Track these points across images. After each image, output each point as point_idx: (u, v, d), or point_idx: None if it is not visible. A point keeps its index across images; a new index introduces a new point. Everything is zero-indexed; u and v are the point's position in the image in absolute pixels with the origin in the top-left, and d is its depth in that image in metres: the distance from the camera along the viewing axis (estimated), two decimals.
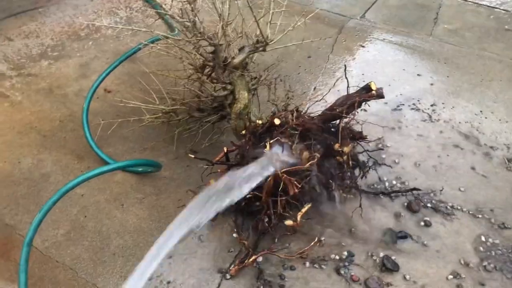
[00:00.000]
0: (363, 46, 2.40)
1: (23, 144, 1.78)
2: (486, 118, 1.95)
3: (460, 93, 2.08)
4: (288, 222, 1.40)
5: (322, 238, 1.46)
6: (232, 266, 1.38)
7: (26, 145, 1.78)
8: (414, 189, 1.57)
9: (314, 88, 2.06)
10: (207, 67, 1.62)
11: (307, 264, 1.40)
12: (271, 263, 1.41)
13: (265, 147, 1.26)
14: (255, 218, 1.46)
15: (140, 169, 1.63)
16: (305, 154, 1.32)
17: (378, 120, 1.91)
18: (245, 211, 1.48)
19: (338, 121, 1.43)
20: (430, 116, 1.95)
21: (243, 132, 1.31)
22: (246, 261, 1.36)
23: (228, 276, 1.37)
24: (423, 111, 1.98)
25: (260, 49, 1.58)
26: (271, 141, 1.25)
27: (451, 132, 1.87)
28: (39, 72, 2.16)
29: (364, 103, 1.44)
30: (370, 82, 1.41)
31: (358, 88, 1.46)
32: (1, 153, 1.75)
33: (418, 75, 2.19)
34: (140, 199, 1.58)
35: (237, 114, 1.52)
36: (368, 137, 1.50)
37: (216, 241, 1.46)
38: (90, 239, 1.46)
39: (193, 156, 1.46)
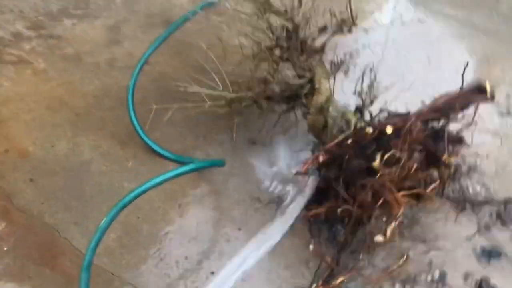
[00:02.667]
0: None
1: (55, 123, 1.54)
2: None
3: None
4: (379, 239, 1.23)
5: (410, 254, 1.30)
6: (314, 286, 1.22)
7: (58, 124, 1.54)
8: (509, 201, 1.40)
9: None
10: (279, 48, 1.38)
11: (397, 286, 1.25)
12: (356, 283, 1.24)
13: (373, 160, 1.06)
14: (334, 229, 1.29)
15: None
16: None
17: None
18: (321, 219, 1.30)
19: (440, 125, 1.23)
20: (508, 110, 1.76)
21: (349, 141, 1.10)
22: (332, 282, 1.20)
23: None
24: (498, 102, 1.79)
25: (345, 29, 1.35)
26: (385, 154, 1.04)
27: None
28: (62, 33, 1.87)
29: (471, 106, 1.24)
30: (484, 81, 1.20)
31: (465, 87, 1.26)
32: (31, 132, 1.51)
33: (487, 59, 1.99)
34: (198, 198, 1.38)
35: (318, 108, 1.30)
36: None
37: (291, 255, 1.29)
38: (147, 246, 1.27)
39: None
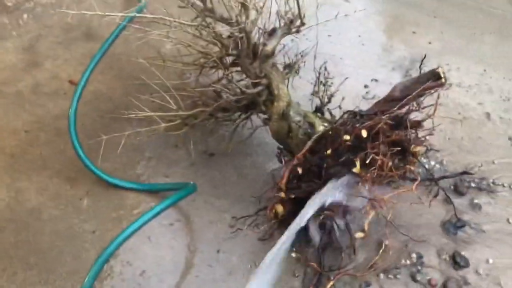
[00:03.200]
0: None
1: None
2: (491, 77, 1.90)
3: (459, 51, 2.00)
4: (360, 235, 1.25)
5: (386, 242, 1.33)
6: None
7: None
8: (464, 172, 1.48)
9: None
10: (229, 57, 1.32)
11: (381, 276, 1.28)
12: (343, 283, 1.25)
13: (353, 165, 1.05)
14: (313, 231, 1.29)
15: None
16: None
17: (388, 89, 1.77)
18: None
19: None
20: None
21: (328, 152, 1.07)
22: None
23: None
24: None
25: (294, 30, 1.32)
26: (364, 159, 1.04)
27: (465, 97, 1.80)
28: None
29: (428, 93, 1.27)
30: (437, 68, 1.24)
31: (419, 74, 1.28)
32: None
33: (413, 32, 2.06)
34: (167, 226, 1.31)
35: (280, 114, 1.27)
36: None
37: (276, 265, 1.26)
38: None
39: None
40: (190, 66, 1.44)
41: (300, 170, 1.08)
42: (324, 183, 1.08)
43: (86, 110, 1.54)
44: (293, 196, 1.11)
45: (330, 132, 1.14)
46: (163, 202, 1.22)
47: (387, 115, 1.11)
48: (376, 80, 1.82)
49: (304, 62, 1.42)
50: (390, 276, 1.28)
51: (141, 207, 1.33)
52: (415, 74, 1.89)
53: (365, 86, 1.79)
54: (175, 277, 1.21)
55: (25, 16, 1.84)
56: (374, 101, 1.71)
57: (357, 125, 1.07)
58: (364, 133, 1.06)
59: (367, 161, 1.05)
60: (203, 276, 1.22)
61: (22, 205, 1.30)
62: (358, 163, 1.04)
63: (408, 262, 1.31)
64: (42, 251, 1.22)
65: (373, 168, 1.07)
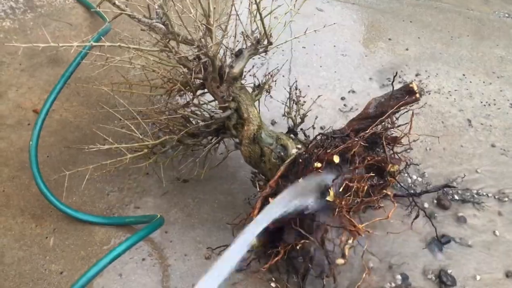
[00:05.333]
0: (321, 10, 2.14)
1: None
2: (471, 82, 1.86)
3: (437, 56, 1.96)
4: (340, 261, 1.18)
5: (371, 266, 1.28)
6: None
7: None
8: (446, 186, 1.43)
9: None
10: (195, 80, 1.26)
11: None
12: None
13: (326, 193, 0.99)
14: (290, 259, 1.23)
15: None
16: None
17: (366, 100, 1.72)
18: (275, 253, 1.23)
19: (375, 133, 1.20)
20: (422, 90, 1.80)
21: (299, 180, 1.02)
22: None
23: None
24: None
25: (261, 50, 1.26)
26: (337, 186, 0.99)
27: (445, 104, 1.76)
28: None
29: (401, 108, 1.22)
30: (411, 83, 1.19)
31: (392, 90, 1.23)
32: None
33: (389, 39, 2.02)
34: (139, 262, 1.24)
35: (251, 138, 1.21)
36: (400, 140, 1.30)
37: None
38: None
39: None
40: (157, 91, 1.38)
41: (271, 200, 1.02)
42: (300, 214, 1.03)
43: (52, 141, 1.47)
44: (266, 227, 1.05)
45: (302, 158, 1.08)
46: (126, 241, 1.14)
47: (361, 136, 1.05)
48: (353, 92, 1.77)
49: (275, 81, 1.37)
50: None
51: (111, 242, 1.26)
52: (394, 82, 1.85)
53: (342, 98, 1.74)
54: None
55: None
56: (352, 113, 1.68)
57: (329, 150, 1.01)
58: (336, 159, 1.00)
59: (341, 189, 0.99)
60: None
61: None
62: (331, 191, 0.98)
63: (393, 284, 1.26)
64: None
65: (348, 194, 1.01)
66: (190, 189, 1.39)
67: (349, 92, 1.76)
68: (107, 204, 1.34)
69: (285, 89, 1.48)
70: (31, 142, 1.29)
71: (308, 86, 1.74)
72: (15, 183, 1.37)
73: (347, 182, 0.99)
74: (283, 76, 1.70)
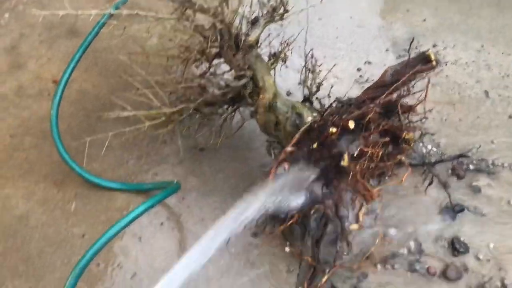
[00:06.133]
0: None
1: None
2: (489, 53, 1.83)
3: (455, 27, 1.93)
4: (354, 227, 1.21)
5: (384, 232, 1.30)
6: None
7: None
8: (461, 155, 1.43)
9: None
10: (211, 49, 1.27)
11: (379, 267, 1.25)
12: (339, 276, 1.23)
13: (341, 158, 1.01)
14: (306, 226, 1.26)
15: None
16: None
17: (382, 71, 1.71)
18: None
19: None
20: (438, 61, 1.78)
21: (314, 146, 1.03)
22: (318, 284, 1.17)
23: None
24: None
25: (277, 18, 1.26)
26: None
27: (462, 75, 1.74)
28: None
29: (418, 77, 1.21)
30: (427, 51, 1.18)
31: (408, 58, 1.23)
32: None
33: (407, 10, 1.99)
34: (158, 226, 1.28)
35: (266, 106, 1.23)
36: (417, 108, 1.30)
37: (269, 262, 1.24)
38: None
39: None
40: (174, 61, 1.39)
41: (287, 166, 1.04)
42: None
43: (72, 110, 1.51)
44: None
45: (317, 124, 1.10)
46: (144, 203, 1.18)
47: (377, 103, 1.06)
48: (369, 63, 1.76)
49: (291, 49, 1.37)
50: (387, 266, 1.25)
51: (130, 208, 1.30)
52: (406, 56, 1.83)
53: (358, 69, 1.74)
54: None
55: (6, 15, 1.79)
56: (368, 84, 1.67)
57: (344, 115, 1.02)
58: (351, 124, 1.02)
59: (356, 154, 1.01)
60: (196, 276, 1.20)
61: (9, 212, 1.28)
62: (346, 156, 1.00)
63: (405, 251, 1.28)
64: (31, 258, 1.20)
65: (363, 159, 1.03)
66: (206, 158, 1.42)
67: (365, 63, 1.76)
68: (126, 171, 1.38)
69: (301, 58, 1.48)
70: (52, 111, 1.32)
71: (324, 57, 1.73)
72: (37, 151, 1.41)
73: (361, 147, 1.00)
74: (299, 47, 1.70)
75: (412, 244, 1.29)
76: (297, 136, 1.14)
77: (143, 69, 1.44)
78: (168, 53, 1.40)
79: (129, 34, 1.51)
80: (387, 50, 1.82)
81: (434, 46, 1.84)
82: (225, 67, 1.33)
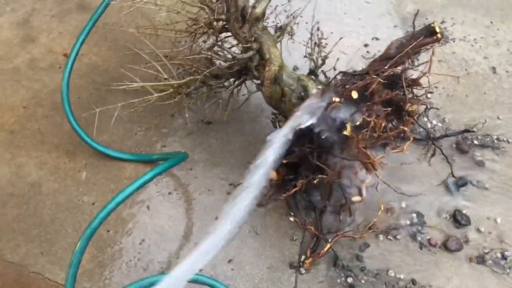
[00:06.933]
0: None
1: None
2: (498, 29, 1.82)
3: (465, 3, 1.91)
4: (356, 199, 1.24)
5: (386, 204, 1.32)
6: (304, 258, 1.22)
7: None
8: (466, 130, 1.44)
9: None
10: (217, 21, 1.29)
11: (381, 237, 1.27)
12: (341, 245, 1.26)
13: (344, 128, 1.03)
14: (310, 197, 1.28)
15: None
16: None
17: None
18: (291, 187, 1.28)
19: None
20: (446, 37, 1.78)
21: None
22: (321, 252, 1.20)
23: (303, 271, 1.21)
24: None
25: None
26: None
27: (470, 52, 1.73)
28: None
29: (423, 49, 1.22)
30: (432, 23, 1.19)
31: (413, 30, 1.24)
32: None
33: None
34: (166, 195, 1.32)
35: (272, 79, 1.25)
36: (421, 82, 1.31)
37: (273, 231, 1.27)
38: (126, 259, 1.20)
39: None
40: (182, 33, 1.41)
41: (291, 136, 1.07)
42: (318, 148, 1.07)
43: (82, 83, 1.54)
44: (285, 162, 1.10)
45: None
46: (152, 170, 1.21)
47: (380, 74, 1.07)
48: (377, 39, 1.76)
49: (297, 23, 1.38)
50: (389, 237, 1.27)
51: (136, 176, 1.33)
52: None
53: (366, 45, 1.74)
54: (174, 245, 1.23)
55: None
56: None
57: (348, 86, 1.04)
58: (354, 95, 1.03)
59: (358, 123, 1.02)
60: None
61: (22, 179, 1.32)
62: (349, 126, 1.02)
63: (408, 222, 1.30)
64: (43, 224, 1.25)
65: (365, 130, 1.05)
66: (213, 130, 1.45)
67: (372, 39, 1.76)
68: (135, 143, 1.41)
69: (308, 33, 1.49)
70: (62, 83, 1.35)
71: (332, 32, 1.73)
72: (49, 122, 1.45)
73: (364, 117, 1.02)
74: (306, 23, 1.70)
75: (414, 215, 1.31)
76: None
77: (152, 43, 1.47)
78: (176, 27, 1.41)
79: (138, 8, 1.53)
80: (395, 26, 1.82)
81: (442, 22, 1.83)
82: (232, 41, 1.35)
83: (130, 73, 1.45)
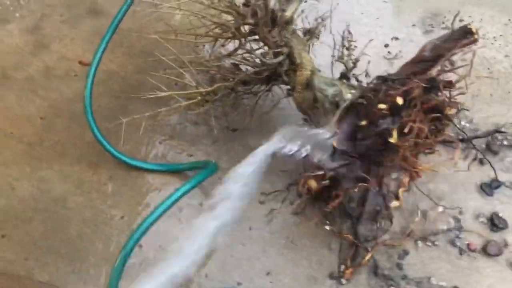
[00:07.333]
0: None
1: (7, 161, 1.33)
2: None
3: (482, 1, 1.89)
4: (395, 204, 1.21)
5: (423, 209, 1.29)
6: (343, 267, 1.19)
7: (10, 162, 1.33)
8: (497, 131, 1.42)
9: None
10: (244, 26, 1.25)
11: (419, 244, 1.25)
12: (380, 253, 1.23)
13: (389, 135, 1.00)
14: (343, 204, 1.25)
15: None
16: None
17: (410, 47, 1.69)
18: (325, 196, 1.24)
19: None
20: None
21: (363, 123, 1.02)
22: (362, 261, 1.17)
23: (343, 281, 1.17)
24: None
25: None
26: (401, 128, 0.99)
27: (490, 50, 1.72)
28: None
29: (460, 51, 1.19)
30: (468, 24, 1.16)
31: (451, 31, 1.21)
32: None
33: None
34: (196, 207, 1.27)
35: (304, 84, 1.21)
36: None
37: (309, 241, 1.23)
38: None
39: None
40: (203, 38, 1.36)
41: (334, 143, 1.03)
42: (358, 156, 1.04)
43: (100, 91, 1.48)
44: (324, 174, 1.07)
45: (360, 101, 1.08)
46: (185, 185, 1.17)
47: (421, 78, 1.04)
48: (396, 38, 1.74)
49: (324, 25, 1.34)
50: (428, 243, 1.25)
51: (167, 188, 1.29)
52: (437, 29, 1.81)
53: (386, 46, 1.71)
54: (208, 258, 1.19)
55: None
56: (396, 61, 1.65)
57: (391, 91, 1.01)
58: (399, 100, 1.00)
59: (405, 130, 0.99)
60: (237, 255, 1.20)
61: (46, 194, 1.27)
62: (395, 133, 0.99)
63: (445, 227, 1.27)
64: (71, 240, 1.20)
65: (410, 136, 1.02)
66: (239, 137, 1.41)
67: (392, 39, 1.73)
68: (160, 152, 1.37)
69: (330, 33, 1.45)
70: (85, 92, 1.30)
71: (350, 33, 1.70)
72: (68, 133, 1.40)
73: (410, 123, 0.99)
74: (324, 23, 1.67)
75: (451, 220, 1.29)
76: (339, 112, 1.13)
77: (169, 50, 1.43)
78: (197, 31, 1.37)
79: (152, 14, 1.49)
80: (413, 25, 1.80)
81: (460, 20, 1.80)
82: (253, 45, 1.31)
83: (149, 81, 1.42)
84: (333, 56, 1.30)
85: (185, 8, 1.28)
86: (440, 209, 1.30)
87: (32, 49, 1.59)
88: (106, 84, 1.50)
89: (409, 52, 1.57)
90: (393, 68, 1.58)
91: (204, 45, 1.50)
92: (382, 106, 0.98)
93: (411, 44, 1.70)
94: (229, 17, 1.27)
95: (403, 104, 1.00)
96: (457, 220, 1.29)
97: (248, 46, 1.24)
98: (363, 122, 1.00)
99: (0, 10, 1.70)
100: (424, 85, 1.03)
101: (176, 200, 1.13)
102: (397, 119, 1.00)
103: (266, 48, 1.27)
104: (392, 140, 1.00)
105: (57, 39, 1.61)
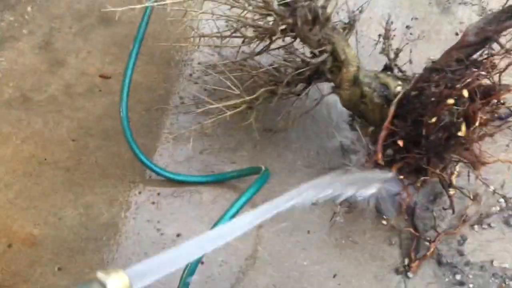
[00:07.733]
0: None
1: (46, 191, 1.28)
2: None
3: None
4: (452, 192, 1.20)
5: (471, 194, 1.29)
6: (407, 261, 1.19)
7: (51, 191, 1.28)
8: None
9: None
10: (283, 25, 1.21)
11: (476, 227, 1.25)
12: (440, 242, 1.23)
13: (455, 129, 0.99)
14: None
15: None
16: None
17: (431, 27, 1.67)
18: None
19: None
20: (483, 9, 1.75)
21: (433, 120, 1.00)
22: (427, 253, 1.17)
23: (410, 275, 1.18)
24: (472, 4, 1.76)
25: None
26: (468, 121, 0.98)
27: None
28: None
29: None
30: None
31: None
32: (23, 212, 1.24)
33: None
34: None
35: (351, 80, 1.19)
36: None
37: (369, 238, 1.23)
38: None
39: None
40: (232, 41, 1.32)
41: (401, 142, 1.02)
42: (426, 152, 1.02)
43: (129, 104, 1.43)
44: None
45: (414, 93, 1.07)
46: (245, 194, 1.14)
47: (480, 68, 1.03)
48: (416, 18, 1.71)
49: (358, 18, 1.31)
50: (484, 226, 1.25)
51: (217, 200, 1.27)
52: (454, 6, 1.79)
53: (407, 27, 1.69)
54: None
55: (29, 8, 1.66)
56: (420, 41, 1.63)
57: (458, 85, 0.99)
58: (465, 93, 0.99)
59: (470, 122, 0.98)
60: (300, 261, 1.19)
61: (95, 221, 1.23)
62: (463, 126, 0.98)
63: (498, 208, 1.28)
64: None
65: (474, 127, 1.01)
66: (280, 139, 1.38)
67: (412, 19, 1.71)
68: (203, 163, 1.33)
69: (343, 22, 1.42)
70: (121, 110, 1.25)
71: (370, 18, 1.68)
72: (104, 152, 1.35)
73: (477, 114, 0.98)
74: (342, 10, 1.64)
75: (502, 200, 1.29)
76: (392, 108, 1.11)
77: (194, 55, 1.38)
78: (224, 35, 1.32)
79: (166, 17, 1.43)
80: (430, 3, 1.77)
81: None
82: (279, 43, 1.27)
83: (175, 88, 1.38)
84: (375, 44, 1.27)
85: (218, 13, 1.23)
86: (489, 191, 1.31)
87: (48, 67, 1.51)
88: (134, 97, 1.44)
89: (431, 31, 1.57)
90: (418, 49, 1.56)
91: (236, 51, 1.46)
92: (450, 101, 0.96)
93: (431, 22, 1.69)
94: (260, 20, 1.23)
95: (468, 96, 0.98)
96: (508, 199, 1.30)
97: (292, 47, 1.20)
98: (433, 119, 0.98)
99: (5, 27, 1.61)
100: (485, 74, 1.01)
101: (236, 212, 1.11)
102: (463, 112, 0.98)
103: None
104: (461, 133, 0.98)
105: (72, 53, 1.54)
